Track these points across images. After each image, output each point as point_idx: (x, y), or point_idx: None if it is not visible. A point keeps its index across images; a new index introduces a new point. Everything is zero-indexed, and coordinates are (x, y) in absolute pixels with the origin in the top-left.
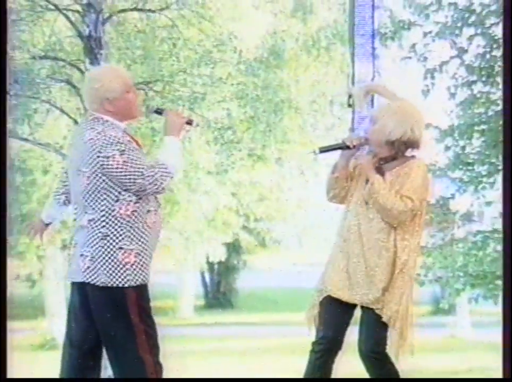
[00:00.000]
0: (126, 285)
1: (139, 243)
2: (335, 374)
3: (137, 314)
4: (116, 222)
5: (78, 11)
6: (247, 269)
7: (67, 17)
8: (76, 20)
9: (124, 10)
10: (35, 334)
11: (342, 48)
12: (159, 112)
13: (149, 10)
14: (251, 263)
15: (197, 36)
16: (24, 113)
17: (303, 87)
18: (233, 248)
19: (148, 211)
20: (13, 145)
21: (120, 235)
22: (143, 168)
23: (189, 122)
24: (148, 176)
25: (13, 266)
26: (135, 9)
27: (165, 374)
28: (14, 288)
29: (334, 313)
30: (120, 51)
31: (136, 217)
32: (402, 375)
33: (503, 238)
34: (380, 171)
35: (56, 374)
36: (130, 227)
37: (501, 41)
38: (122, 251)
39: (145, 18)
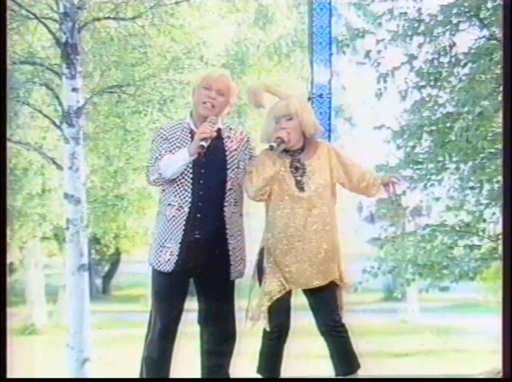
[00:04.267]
0: (148, 263)
1: (158, 229)
2: (287, 356)
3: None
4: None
5: (56, 20)
6: None
7: (46, 26)
8: (54, 28)
9: (98, 19)
10: (16, 320)
11: (302, 54)
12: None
13: (122, 19)
14: None
15: (167, 44)
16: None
17: None
18: None
19: (169, 204)
20: None
21: (155, 219)
22: (150, 158)
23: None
24: (146, 165)
25: None
26: (109, 18)
27: (135, 361)
28: None
29: (284, 302)
30: (95, 57)
31: (159, 206)
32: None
33: (503, 238)
34: (298, 161)
35: (35, 357)
36: (157, 214)
37: (448, 48)
38: (152, 233)
39: (118, 26)
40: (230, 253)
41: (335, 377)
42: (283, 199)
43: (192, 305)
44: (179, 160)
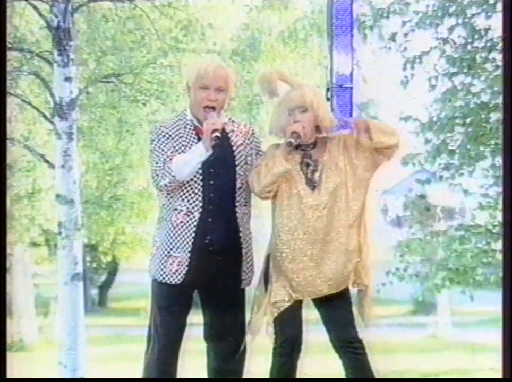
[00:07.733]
0: (150, 275)
1: (162, 237)
2: (299, 375)
3: (152, 307)
4: (159, 212)
5: (46, 1)
6: None
7: (35, 7)
8: (44, 10)
9: (93, 0)
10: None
11: (320, 39)
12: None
13: (119, 0)
14: None
15: (167, 26)
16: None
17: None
18: None
19: (175, 209)
20: None
21: (156, 225)
22: (157, 160)
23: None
24: (153, 169)
25: None
26: None
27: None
28: None
29: (294, 314)
30: (90, 43)
31: (163, 212)
32: (382, 376)
33: (503, 238)
34: (309, 157)
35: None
36: (159, 220)
37: (483, 31)
38: (154, 241)
39: (115, 8)
40: (243, 258)
41: (336, 377)
42: (291, 198)
43: (195, 319)
44: (194, 157)
